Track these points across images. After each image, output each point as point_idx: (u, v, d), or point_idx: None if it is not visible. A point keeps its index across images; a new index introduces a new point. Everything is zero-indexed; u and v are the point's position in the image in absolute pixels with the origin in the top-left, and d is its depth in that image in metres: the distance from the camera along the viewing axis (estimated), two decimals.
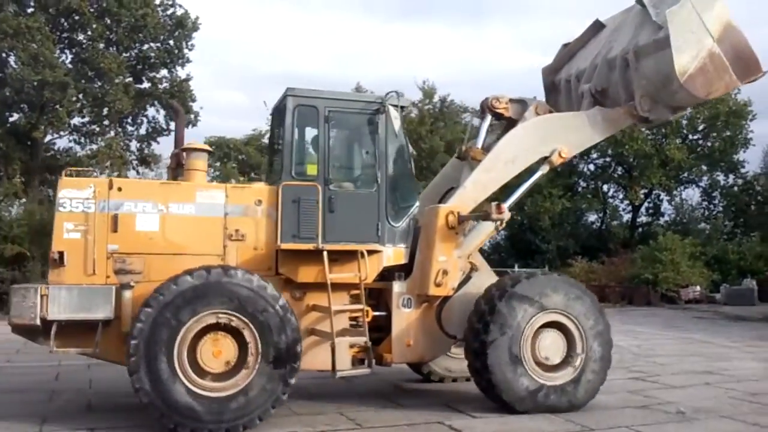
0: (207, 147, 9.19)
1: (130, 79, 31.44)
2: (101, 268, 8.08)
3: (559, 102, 10.95)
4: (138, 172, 32.83)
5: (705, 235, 39.12)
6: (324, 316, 8.61)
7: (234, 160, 39.55)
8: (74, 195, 8.12)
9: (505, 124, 10.32)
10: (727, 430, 8.01)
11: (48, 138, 31.19)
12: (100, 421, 8.18)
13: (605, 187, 42.83)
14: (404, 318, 8.99)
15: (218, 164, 39.27)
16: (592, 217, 44.23)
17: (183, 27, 31.87)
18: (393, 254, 8.95)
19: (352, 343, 8.37)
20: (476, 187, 9.18)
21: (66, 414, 8.59)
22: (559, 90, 11.01)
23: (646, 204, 43.04)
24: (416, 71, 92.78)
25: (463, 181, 9.48)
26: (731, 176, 42.26)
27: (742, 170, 41.74)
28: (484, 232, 9.29)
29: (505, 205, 8.91)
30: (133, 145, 33.32)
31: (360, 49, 74.98)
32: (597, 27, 10.80)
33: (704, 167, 40.84)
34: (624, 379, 11.10)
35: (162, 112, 32.38)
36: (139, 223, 8.26)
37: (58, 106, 28.23)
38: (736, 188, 42.09)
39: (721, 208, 42.97)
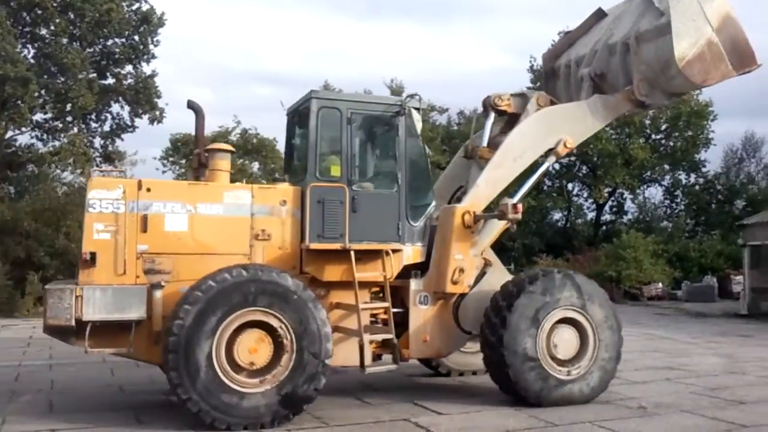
0: (230, 147, 9.49)
1: (94, 74, 31.08)
2: (131, 268, 8.33)
3: (557, 87, 11.49)
4: (101, 170, 32.50)
5: (667, 233, 40.43)
6: (347, 313, 9.01)
7: None
8: (104, 196, 8.35)
9: (506, 119, 10.77)
10: (687, 425, 8.32)
11: (9, 134, 30.65)
12: (62, 422, 8.26)
13: (570, 186, 43.91)
14: (421, 314, 9.44)
15: (184, 161, 38.99)
16: (557, 216, 45.30)
17: (148, 22, 31.64)
18: (412, 253, 9.39)
19: (373, 339, 8.79)
20: (488, 184, 9.67)
21: (27, 414, 8.67)
22: (559, 75, 11.53)
23: (610, 202, 44.27)
24: (385, 70, 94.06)
25: (473, 179, 9.97)
26: (693, 175, 43.77)
27: (704, 170, 43.30)
28: (497, 229, 9.78)
29: (514, 200, 9.46)
30: (97, 141, 32.96)
31: (330, 47, 75.54)
32: (599, 15, 11.34)
33: (667, 166, 42.19)
34: None
35: (127, 108, 32.12)
36: (168, 223, 8.54)
37: (19, 102, 27.79)
38: (697, 187, 43.59)
39: (682, 207, 44.49)
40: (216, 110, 72.34)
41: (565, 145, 9.97)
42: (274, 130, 79.85)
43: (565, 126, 10.08)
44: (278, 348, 8.08)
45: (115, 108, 32.31)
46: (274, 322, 8.04)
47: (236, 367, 7.94)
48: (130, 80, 31.90)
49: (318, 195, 8.82)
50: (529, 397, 8.97)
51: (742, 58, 10.08)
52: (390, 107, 9.39)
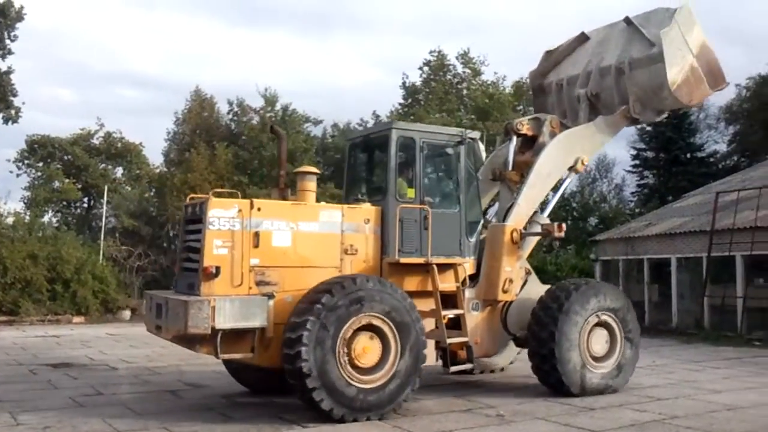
0: (317, 170, 11.02)
1: None
2: (246, 280, 9.72)
3: (548, 103, 14.05)
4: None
5: None
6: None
7: (59, 161, 38.52)
8: (222, 214, 9.69)
9: (521, 140, 13.00)
10: (541, 431, 9.26)
11: None
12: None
13: None
14: (473, 319, 11.50)
15: (41, 164, 38.04)
16: None
17: (5, 16, 30.88)
18: (469, 265, 11.45)
19: (452, 342, 10.73)
20: (527, 203, 11.97)
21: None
22: (549, 92, 14.07)
23: None
24: (259, 78, 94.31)
25: (505, 199, 12.37)
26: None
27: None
28: (533, 242, 12.09)
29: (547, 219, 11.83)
30: None
31: (201, 52, 74.80)
32: (582, 39, 13.92)
33: None
34: (450, 383, 12.55)
35: None
36: (275, 239, 10.01)
37: None
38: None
39: None
40: (78, 112, 70.08)
41: (582, 163, 12.47)
42: (140, 134, 77.81)
43: (579, 146, 12.55)
44: (386, 350, 9.81)
45: None
46: (385, 328, 9.77)
47: (354, 366, 9.56)
48: None
49: (400, 214, 10.63)
50: (571, 386, 11.21)
51: (716, 78, 13.03)
52: (453, 137, 11.41)
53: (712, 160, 42.86)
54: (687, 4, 12.57)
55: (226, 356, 9.54)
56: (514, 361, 13.99)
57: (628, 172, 44.79)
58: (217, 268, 9.50)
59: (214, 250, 9.58)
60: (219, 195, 10.13)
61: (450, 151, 11.41)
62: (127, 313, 27.29)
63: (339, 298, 9.45)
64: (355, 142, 12.06)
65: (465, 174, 11.43)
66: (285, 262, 10.05)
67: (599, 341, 11.61)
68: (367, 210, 10.80)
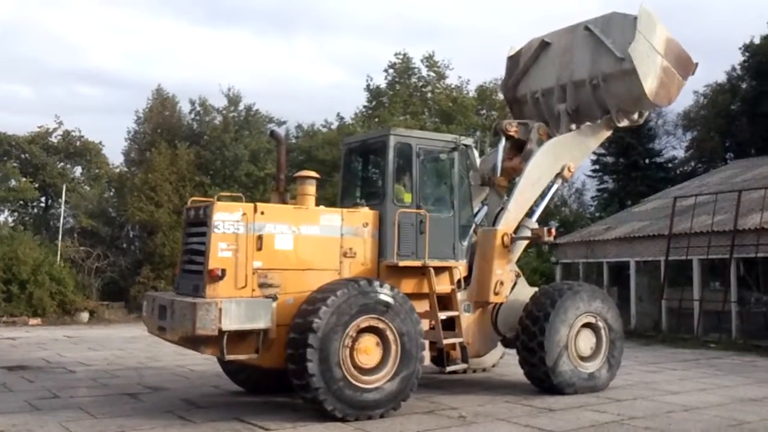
0: (316, 174, 11.13)
1: None
2: (249, 282, 9.81)
3: (524, 111, 14.34)
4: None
5: None
6: None
7: (16, 159, 37.64)
8: (226, 218, 9.78)
9: (509, 145, 13.28)
10: None
11: None
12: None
13: None
14: (465, 320, 11.74)
15: None
16: None
17: None
18: (462, 268, 11.69)
19: (448, 342, 11.00)
20: (517, 208, 12.29)
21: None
22: (525, 102, 14.34)
23: None
24: (222, 77, 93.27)
25: (494, 203, 12.71)
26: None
27: None
28: (523, 246, 12.42)
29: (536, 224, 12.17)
30: None
31: (164, 51, 73.57)
32: (543, 45, 14.07)
33: None
34: None
35: None
36: (278, 242, 10.13)
37: None
38: None
39: None
40: (36, 109, 68.38)
41: (569, 170, 12.84)
42: (100, 132, 76.15)
43: (567, 153, 12.93)
44: (386, 351, 9.99)
45: None
46: (386, 329, 9.94)
47: (357, 368, 9.73)
48: None
49: (397, 218, 10.82)
50: (560, 384, 11.58)
51: (685, 66, 13.30)
52: (448, 143, 11.67)
53: (670, 165, 43.86)
54: (644, 8, 12.74)
55: (232, 357, 9.60)
56: (497, 364, 14.31)
57: (588, 176, 45.61)
58: (223, 271, 9.57)
59: (219, 252, 9.66)
60: (221, 198, 10.17)
61: (444, 156, 11.65)
62: (85, 315, 26.76)
63: (349, 296, 9.62)
64: (352, 146, 12.23)
65: (458, 179, 11.68)
66: (287, 265, 10.16)
67: (586, 341, 12.00)
68: (365, 214, 10.96)
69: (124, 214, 33.78)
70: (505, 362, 14.18)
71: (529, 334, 11.67)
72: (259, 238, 9.92)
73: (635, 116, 13.67)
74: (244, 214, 9.87)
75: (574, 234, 29.60)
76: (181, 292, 10.33)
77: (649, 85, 12.75)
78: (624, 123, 13.44)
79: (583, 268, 26.40)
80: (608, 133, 13.67)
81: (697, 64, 13.52)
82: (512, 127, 13.12)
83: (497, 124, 13.34)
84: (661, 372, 15.11)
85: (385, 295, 9.96)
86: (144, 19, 77.67)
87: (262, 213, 10.02)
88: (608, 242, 25.66)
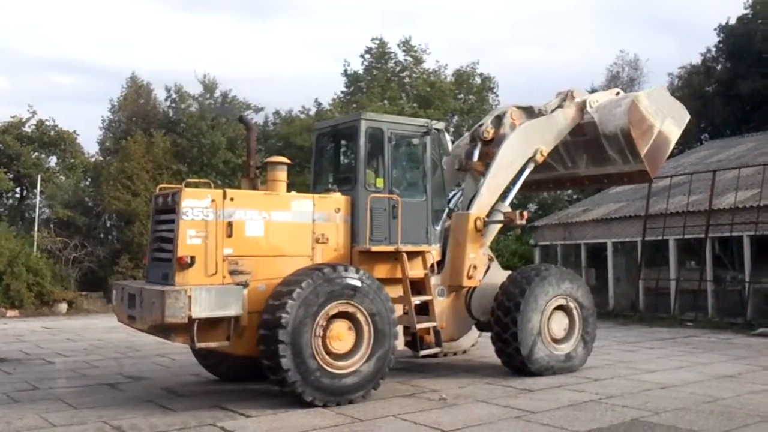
0: (287, 160, 10.99)
1: None
2: (219, 269, 9.67)
3: None
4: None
5: None
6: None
7: None
8: (195, 204, 9.61)
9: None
10: (482, 413, 9.23)
11: None
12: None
13: None
14: (439, 305, 11.69)
15: None
16: None
17: None
18: (435, 252, 11.64)
19: (422, 327, 10.95)
20: (489, 192, 12.18)
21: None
22: None
23: None
24: (198, 64, 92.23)
25: (470, 188, 12.57)
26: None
27: None
28: (496, 231, 12.36)
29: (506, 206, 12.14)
30: None
31: (139, 37, 72.60)
32: None
33: None
34: (394, 369, 11.54)
35: None
36: (248, 228, 9.98)
37: None
38: None
39: None
40: (9, 99, 67.43)
41: (541, 153, 12.73)
42: (74, 122, 75.14)
43: (539, 137, 12.86)
44: (359, 336, 9.92)
45: None
46: (357, 314, 9.86)
47: (329, 353, 9.66)
48: None
49: (370, 203, 10.74)
50: (534, 368, 11.60)
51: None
52: (419, 128, 11.57)
53: None
54: None
55: (203, 345, 9.48)
56: (476, 344, 14.32)
57: None
58: (192, 258, 9.43)
59: (188, 240, 9.50)
60: (189, 185, 10.03)
61: (416, 141, 11.56)
62: (63, 306, 26.54)
63: (315, 285, 9.52)
64: (323, 132, 12.07)
65: (431, 164, 11.60)
66: (258, 252, 10.04)
67: (559, 324, 12.00)
68: (337, 199, 10.85)
69: (101, 204, 33.43)
70: (484, 345, 14.03)
71: (502, 325, 11.66)
72: (229, 224, 9.78)
73: None
74: (213, 200, 9.72)
75: (551, 216, 29.66)
76: (150, 280, 10.18)
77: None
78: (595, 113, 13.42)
79: (562, 250, 26.49)
80: (579, 118, 13.58)
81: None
82: (489, 133, 12.99)
83: (473, 132, 13.23)
84: (638, 351, 15.26)
85: (351, 278, 9.87)
86: (119, 5, 76.85)
87: (232, 199, 9.88)
88: (586, 224, 25.76)
